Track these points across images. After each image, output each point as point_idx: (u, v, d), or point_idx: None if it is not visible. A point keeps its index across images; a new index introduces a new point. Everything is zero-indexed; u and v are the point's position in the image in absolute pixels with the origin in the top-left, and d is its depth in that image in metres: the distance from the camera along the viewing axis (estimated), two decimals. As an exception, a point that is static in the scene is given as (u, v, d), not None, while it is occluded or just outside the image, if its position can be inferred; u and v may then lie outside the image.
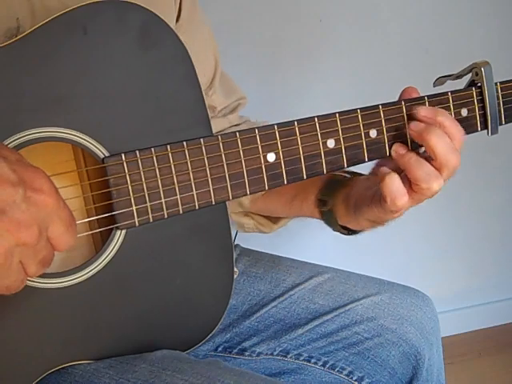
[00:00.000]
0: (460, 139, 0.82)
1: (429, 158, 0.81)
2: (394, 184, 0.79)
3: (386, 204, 0.80)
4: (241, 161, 0.78)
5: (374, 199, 0.84)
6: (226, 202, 0.81)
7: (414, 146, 0.84)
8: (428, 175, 0.79)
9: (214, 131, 0.80)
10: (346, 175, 0.94)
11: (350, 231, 0.95)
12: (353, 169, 0.90)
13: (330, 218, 0.95)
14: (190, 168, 0.76)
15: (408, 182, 0.80)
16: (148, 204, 0.75)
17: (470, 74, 0.89)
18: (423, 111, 0.82)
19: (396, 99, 0.86)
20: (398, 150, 0.84)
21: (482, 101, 0.88)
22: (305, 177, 0.81)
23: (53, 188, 0.62)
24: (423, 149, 0.83)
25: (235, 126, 1.11)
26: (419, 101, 0.85)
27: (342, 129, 0.82)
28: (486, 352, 2.01)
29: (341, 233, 0.97)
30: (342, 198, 0.92)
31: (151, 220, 0.76)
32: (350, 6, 1.72)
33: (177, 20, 1.00)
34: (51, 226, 0.62)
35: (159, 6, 0.79)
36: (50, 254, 0.64)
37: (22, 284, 0.63)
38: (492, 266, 2.08)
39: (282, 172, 0.80)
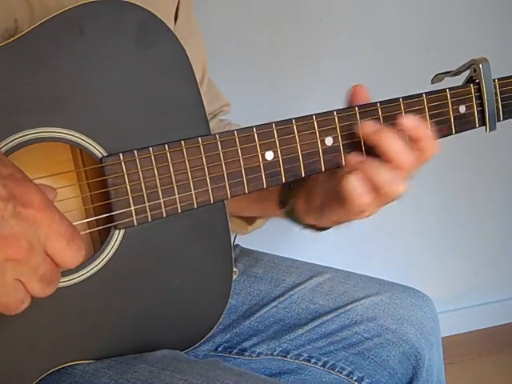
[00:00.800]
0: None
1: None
2: (356, 183, 0.78)
3: (351, 205, 0.79)
4: (239, 159, 0.78)
5: (339, 200, 0.82)
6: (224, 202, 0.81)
7: None
8: (390, 179, 0.78)
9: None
10: None
11: (318, 228, 0.95)
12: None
13: (293, 219, 0.95)
14: (188, 167, 0.76)
15: (371, 183, 0.79)
16: (146, 203, 0.75)
17: (469, 71, 0.89)
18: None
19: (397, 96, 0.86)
20: (356, 158, 0.81)
21: (480, 97, 0.88)
22: (303, 175, 0.81)
23: (44, 202, 0.61)
24: None
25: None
26: (417, 98, 0.85)
27: (340, 127, 0.82)
28: (485, 352, 2.01)
29: (310, 230, 0.96)
30: (303, 199, 0.92)
31: (150, 219, 0.76)
32: (349, 7, 1.73)
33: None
34: (49, 242, 0.61)
35: (158, 6, 0.79)
36: (52, 270, 0.63)
37: (21, 304, 0.62)
38: (492, 266, 2.08)
39: (280, 170, 0.80)
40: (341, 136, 0.82)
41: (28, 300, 0.63)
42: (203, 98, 1.07)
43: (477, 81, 0.89)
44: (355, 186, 0.78)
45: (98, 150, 0.74)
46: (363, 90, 0.85)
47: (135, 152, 0.74)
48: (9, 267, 0.59)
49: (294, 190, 0.93)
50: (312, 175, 0.90)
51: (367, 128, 0.81)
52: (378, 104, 0.83)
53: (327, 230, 0.95)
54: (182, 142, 0.76)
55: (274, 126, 0.79)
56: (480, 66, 0.87)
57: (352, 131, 0.82)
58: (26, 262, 0.60)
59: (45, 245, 0.61)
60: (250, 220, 1.10)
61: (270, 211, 0.99)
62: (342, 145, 0.82)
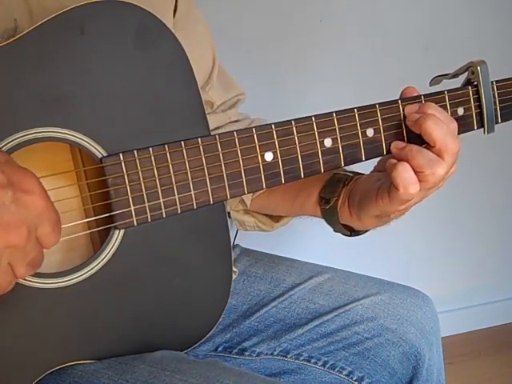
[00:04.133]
0: (454, 127, 0.83)
1: (428, 147, 0.81)
2: (406, 172, 0.79)
3: (397, 193, 0.80)
4: (238, 160, 0.78)
5: (380, 191, 0.84)
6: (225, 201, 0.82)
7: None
8: (430, 161, 0.79)
9: (212, 127, 0.80)
10: (349, 174, 0.94)
11: (351, 232, 0.95)
12: (353, 167, 0.91)
13: (331, 217, 0.95)
14: (187, 167, 0.76)
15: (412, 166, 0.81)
16: (146, 204, 0.75)
17: (467, 73, 0.89)
18: (411, 109, 0.84)
19: (396, 98, 0.86)
20: (397, 145, 0.84)
21: (478, 99, 0.88)
22: (302, 176, 0.81)
23: (42, 189, 0.62)
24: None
25: (234, 121, 1.10)
26: (416, 100, 0.85)
27: (339, 128, 0.82)
28: (485, 352, 2.00)
29: (342, 233, 0.96)
30: (345, 197, 0.93)
31: (149, 220, 0.76)
32: (350, 6, 1.72)
33: (173, 16, 1.00)
34: (40, 227, 0.63)
35: (156, 5, 0.79)
36: (39, 255, 0.64)
37: (9, 285, 0.64)
38: (491, 266, 2.08)
39: (279, 171, 0.80)
40: (340, 137, 0.82)
41: (14, 281, 0.64)
42: (216, 84, 1.07)
43: (475, 83, 0.89)
44: (409, 172, 0.79)
45: (98, 150, 0.74)
46: (415, 91, 0.87)
47: (135, 152, 0.74)
48: (6, 253, 0.60)
49: (336, 187, 0.94)
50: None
51: (412, 117, 0.83)
52: (377, 106, 0.84)
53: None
54: (182, 142, 0.76)
55: (273, 127, 0.79)
56: (478, 68, 0.87)
57: (351, 132, 0.83)
58: (22, 248, 0.61)
59: (36, 229, 0.62)
60: (275, 218, 1.11)
61: (308, 209, 0.99)
62: (341, 146, 0.82)
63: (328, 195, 0.95)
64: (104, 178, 0.74)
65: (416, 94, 0.87)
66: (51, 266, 0.77)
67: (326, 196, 0.95)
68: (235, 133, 0.78)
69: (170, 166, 0.76)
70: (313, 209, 0.98)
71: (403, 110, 0.85)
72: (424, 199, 0.86)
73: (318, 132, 0.81)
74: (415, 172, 0.80)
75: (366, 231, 0.95)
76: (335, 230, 0.97)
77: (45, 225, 0.63)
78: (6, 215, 0.59)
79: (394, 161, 0.81)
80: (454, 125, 0.83)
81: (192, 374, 0.77)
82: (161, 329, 0.83)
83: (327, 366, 1.03)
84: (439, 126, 0.80)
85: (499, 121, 0.91)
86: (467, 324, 2.08)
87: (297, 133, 0.80)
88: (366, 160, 0.85)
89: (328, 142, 0.82)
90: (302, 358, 1.03)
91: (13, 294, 0.66)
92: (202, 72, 1.05)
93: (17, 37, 0.72)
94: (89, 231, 0.79)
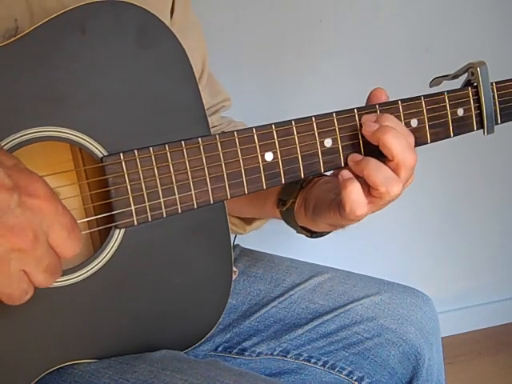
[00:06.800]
0: (412, 141, 0.80)
1: (385, 161, 0.79)
2: (355, 193, 0.77)
3: (344, 212, 0.78)
4: (239, 160, 0.78)
5: (332, 204, 0.83)
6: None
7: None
8: (387, 179, 0.77)
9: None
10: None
11: (312, 233, 0.95)
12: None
13: (289, 219, 0.95)
14: (188, 167, 0.76)
15: (367, 186, 0.78)
16: (147, 203, 0.75)
17: (466, 74, 0.89)
18: (368, 120, 0.82)
19: (396, 99, 0.86)
20: (354, 158, 0.82)
21: (478, 100, 0.89)
22: (302, 176, 0.82)
23: (49, 193, 0.62)
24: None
25: (214, 127, 1.12)
26: (415, 100, 0.85)
27: (339, 128, 0.82)
28: (485, 352, 2.01)
29: (304, 234, 0.96)
30: (302, 200, 0.92)
31: (150, 219, 0.76)
32: (350, 6, 1.73)
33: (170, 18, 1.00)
34: (52, 233, 0.62)
35: (155, 5, 0.79)
36: (55, 261, 0.63)
37: (25, 294, 0.63)
38: (492, 266, 2.08)
39: (279, 171, 0.80)
40: (340, 138, 0.82)
41: (31, 291, 0.63)
42: (204, 90, 1.08)
43: (475, 84, 0.89)
44: (358, 194, 0.77)
45: (99, 150, 0.74)
46: (383, 93, 0.85)
47: (135, 152, 0.74)
48: (14, 257, 0.60)
49: (293, 189, 0.94)
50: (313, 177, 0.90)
51: (370, 127, 0.80)
52: (377, 106, 0.84)
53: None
54: (183, 142, 0.76)
55: (273, 127, 0.79)
56: (478, 69, 0.87)
57: (351, 133, 0.83)
58: (31, 253, 0.60)
59: (47, 235, 0.61)
60: (248, 221, 1.10)
61: (268, 211, 0.99)
62: (341, 146, 0.83)
63: (285, 197, 0.94)
64: (104, 177, 0.74)
65: (384, 97, 0.84)
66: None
67: (282, 198, 0.95)
68: (235, 133, 0.78)
69: (171, 165, 0.76)
70: (272, 211, 0.98)
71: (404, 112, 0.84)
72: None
73: (319, 132, 0.81)
74: (369, 188, 0.78)
75: (328, 233, 0.94)
76: (297, 232, 0.96)
77: (57, 230, 0.62)
78: (11, 218, 0.59)
79: (347, 175, 0.79)
80: (412, 139, 0.80)
81: (192, 374, 0.77)
82: (161, 328, 0.83)
83: (327, 365, 1.03)
84: (399, 139, 0.77)
85: (499, 122, 0.91)
86: (467, 324, 2.08)
87: (297, 133, 0.80)
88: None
89: (328, 143, 0.82)
90: (301, 358, 1.03)
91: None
92: None
93: (18, 36, 0.72)
94: (89, 230, 0.79)
